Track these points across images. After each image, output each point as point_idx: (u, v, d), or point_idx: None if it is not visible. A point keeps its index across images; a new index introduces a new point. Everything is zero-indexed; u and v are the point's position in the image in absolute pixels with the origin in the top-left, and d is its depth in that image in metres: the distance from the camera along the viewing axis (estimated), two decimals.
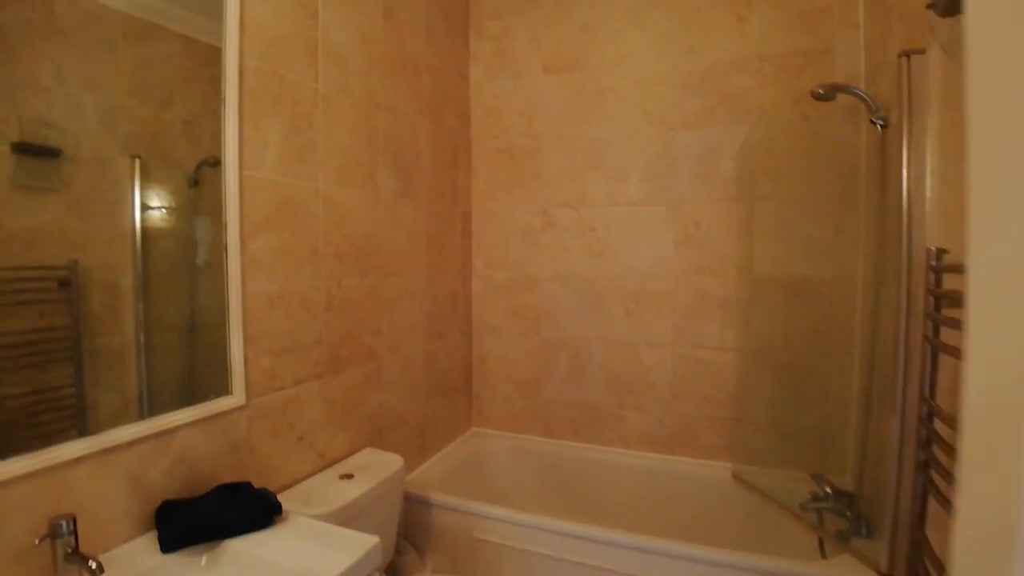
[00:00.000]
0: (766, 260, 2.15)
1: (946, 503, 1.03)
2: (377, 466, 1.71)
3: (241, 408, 1.40)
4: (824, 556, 1.76)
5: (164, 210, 1.26)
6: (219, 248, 1.36)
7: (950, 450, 1.03)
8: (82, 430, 1.07)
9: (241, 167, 1.39)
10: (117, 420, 1.13)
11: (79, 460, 1.05)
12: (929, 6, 1.07)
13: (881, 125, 1.73)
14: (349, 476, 1.63)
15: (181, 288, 1.33)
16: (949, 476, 1.03)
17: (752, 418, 2.19)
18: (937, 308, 1.11)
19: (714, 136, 2.18)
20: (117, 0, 1.14)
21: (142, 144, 1.20)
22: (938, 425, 1.12)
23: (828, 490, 1.85)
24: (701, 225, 2.22)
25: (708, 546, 1.66)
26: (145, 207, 1.21)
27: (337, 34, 1.71)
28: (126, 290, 1.19)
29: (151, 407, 1.21)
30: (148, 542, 1.13)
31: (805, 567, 1.59)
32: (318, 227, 1.65)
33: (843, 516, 1.80)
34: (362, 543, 1.15)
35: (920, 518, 1.21)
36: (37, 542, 0.93)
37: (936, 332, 1.12)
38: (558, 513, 2.02)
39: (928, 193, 1.36)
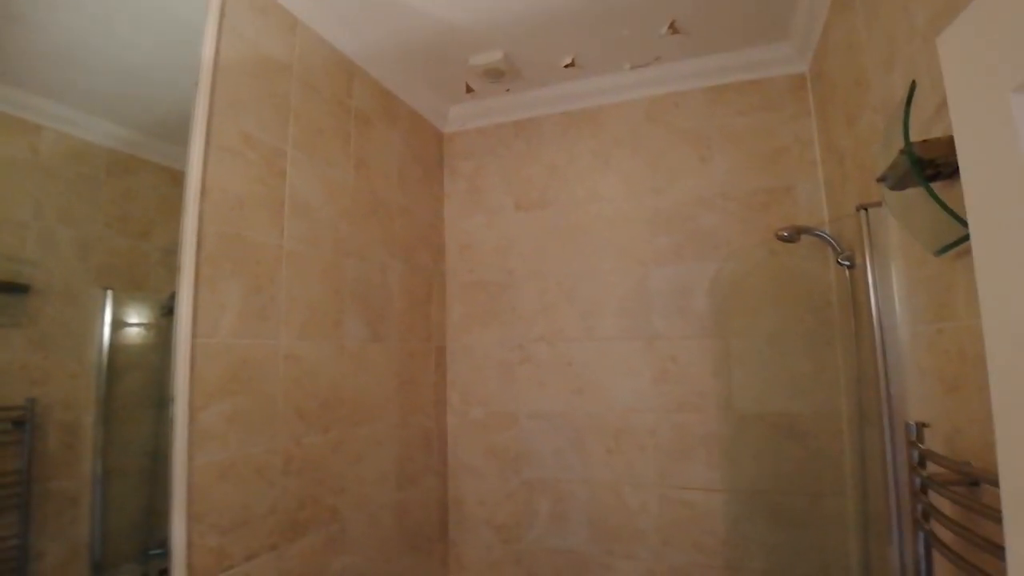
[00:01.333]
0: (745, 396, 2.09)
1: None
2: None
3: None
4: None
5: (136, 341, 1.21)
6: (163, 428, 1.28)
7: None
8: None
9: (194, 335, 1.34)
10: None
11: None
12: (880, 179, 1.09)
13: (848, 266, 1.75)
14: None
15: (147, 419, 1.26)
16: None
17: (748, 567, 2.02)
18: (924, 490, 1.04)
19: (685, 272, 2.20)
20: (103, 136, 1.15)
21: (116, 275, 1.20)
22: None
23: None
24: (678, 360, 2.18)
25: None
26: (115, 338, 1.17)
27: (304, 189, 1.74)
28: (85, 427, 1.14)
29: (103, 557, 1.09)
30: None
31: None
32: (277, 387, 1.59)
33: None
34: None
35: None
36: None
37: (926, 516, 1.04)
38: None
39: (904, 341, 1.32)
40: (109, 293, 1.19)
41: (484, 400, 2.47)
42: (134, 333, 1.23)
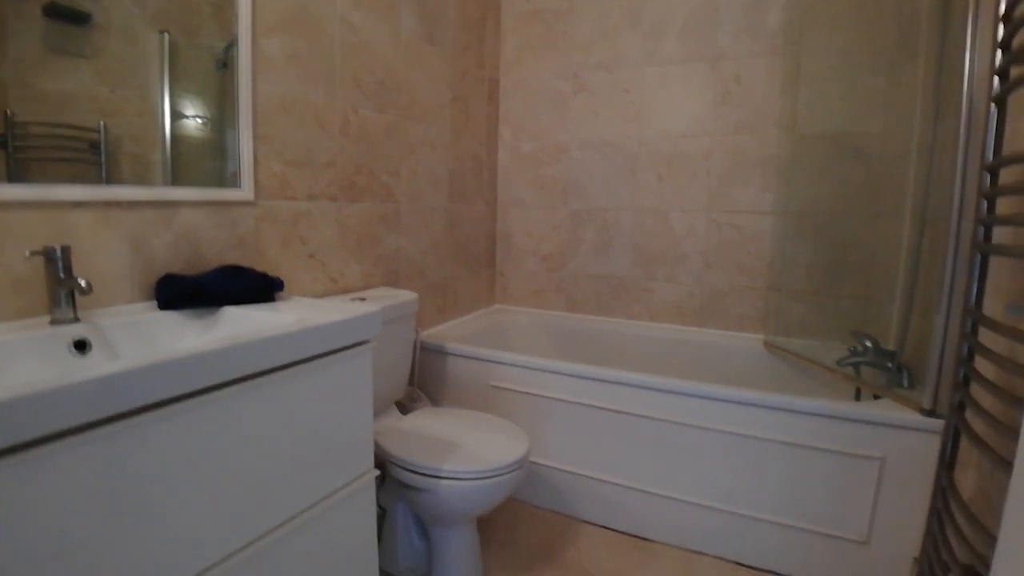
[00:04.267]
0: (811, 116, 1.99)
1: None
2: (392, 298, 1.69)
3: (249, 204, 1.39)
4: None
5: (193, 88, 1.24)
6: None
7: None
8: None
9: None
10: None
11: (79, 205, 1.05)
12: None
13: None
14: (362, 300, 1.62)
15: (210, 171, 1.31)
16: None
17: (789, 287, 2.06)
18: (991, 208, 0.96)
19: None
20: None
21: (171, 21, 1.19)
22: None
23: (868, 344, 1.73)
24: (742, 80, 2.07)
25: (728, 385, 1.58)
26: (174, 76, 1.20)
27: None
28: (155, 163, 1.19)
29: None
30: (149, 307, 1.13)
31: (838, 404, 1.50)
32: (335, 46, 1.60)
33: (883, 369, 1.68)
34: (362, 309, 1.12)
35: (969, 355, 1.10)
36: (28, 254, 0.93)
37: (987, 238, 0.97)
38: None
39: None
40: (166, 37, 1.17)
41: (535, 133, 2.46)
42: (194, 81, 1.24)
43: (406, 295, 1.73)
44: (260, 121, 1.40)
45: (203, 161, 1.31)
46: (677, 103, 2.18)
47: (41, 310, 0.99)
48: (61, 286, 0.96)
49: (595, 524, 1.79)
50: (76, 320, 0.98)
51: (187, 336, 1.09)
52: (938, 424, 1.36)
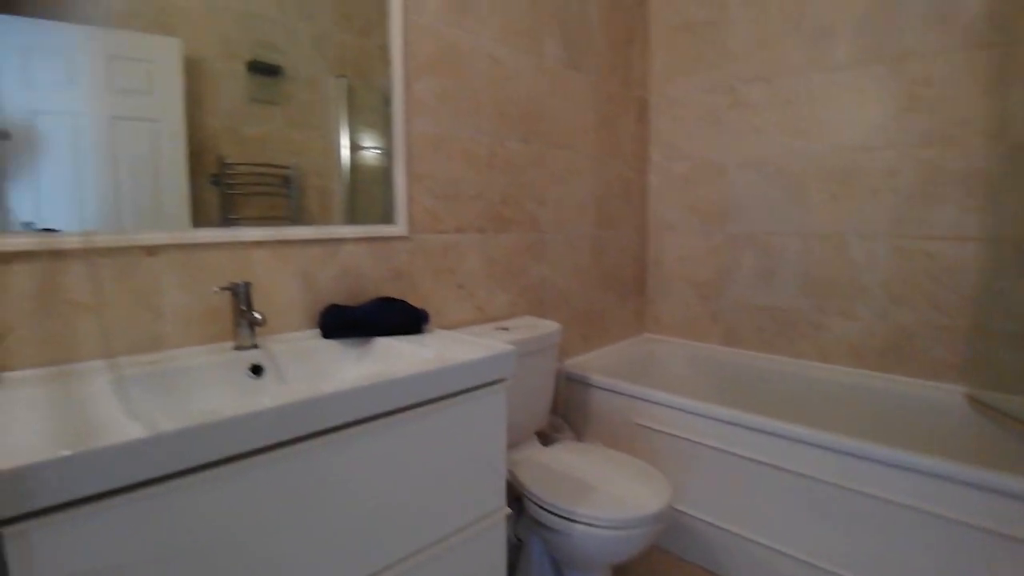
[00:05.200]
0: None
1: None
2: (535, 328, 1.69)
3: (403, 239, 1.49)
4: None
5: (368, 123, 1.40)
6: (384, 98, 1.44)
7: None
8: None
9: (405, 11, 1.45)
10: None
11: (259, 244, 1.20)
12: None
13: None
14: (505, 329, 1.65)
15: (379, 193, 1.45)
16: None
17: (1001, 328, 1.69)
18: None
19: None
20: None
21: (347, 67, 1.36)
22: None
23: None
24: (933, 81, 1.76)
25: (914, 450, 1.32)
26: (352, 118, 1.37)
27: None
28: (334, 192, 1.36)
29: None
30: (314, 334, 1.25)
31: None
32: (481, 82, 1.67)
33: None
34: (498, 347, 1.13)
35: None
36: (217, 289, 1.08)
37: None
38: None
39: None
40: (344, 81, 1.33)
41: (688, 153, 2.33)
42: (367, 117, 1.39)
43: (548, 326, 1.72)
44: (413, 159, 1.50)
45: (375, 188, 1.43)
46: (851, 113, 1.91)
47: (227, 335, 1.14)
48: (243, 317, 1.10)
49: None
50: (254, 346, 1.12)
51: (343, 364, 1.19)
52: None
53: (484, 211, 1.71)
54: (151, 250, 1.06)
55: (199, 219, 1.12)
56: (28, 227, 0.94)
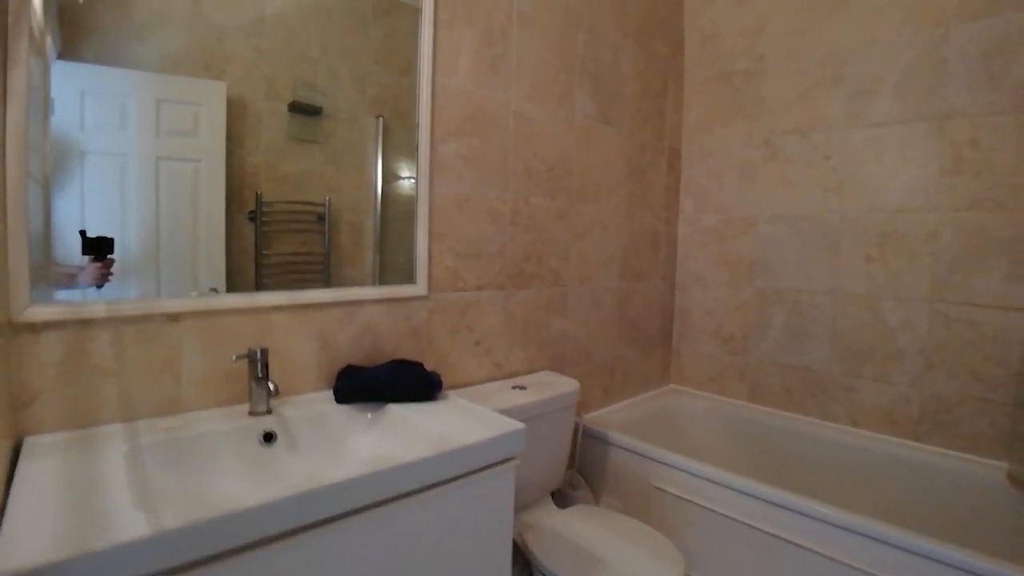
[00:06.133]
0: None
1: None
2: (552, 386, 1.68)
3: (423, 298, 1.50)
4: None
5: (401, 159, 1.43)
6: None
7: None
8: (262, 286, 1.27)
9: (434, 73, 1.47)
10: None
11: (278, 308, 1.22)
12: None
13: None
14: (522, 388, 1.63)
15: (409, 228, 1.48)
16: None
17: None
18: None
19: (1003, 25, 1.63)
20: None
21: (385, 106, 1.39)
22: None
23: None
24: (979, 144, 1.68)
25: (971, 550, 1.24)
26: (386, 157, 1.41)
27: None
28: (367, 228, 1.39)
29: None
30: (329, 396, 1.27)
31: None
32: (507, 140, 1.68)
33: None
34: (506, 425, 1.12)
35: None
36: (235, 358, 1.10)
37: None
38: (756, 478, 1.74)
39: None
40: (380, 120, 1.37)
41: (720, 206, 2.29)
42: (399, 156, 1.43)
43: (567, 384, 1.70)
44: (435, 220, 1.51)
45: (406, 223, 1.46)
46: (891, 171, 1.85)
47: (243, 397, 1.16)
48: (259, 384, 1.13)
49: None
50: (268, 412, 1.13)
51: (353, 432, 1.19)
52: None
53: (505, 267, 1.71)
54: (174, 317, 1.09)
55: (232, 268, 1.16)
56: (82, 235, 0.98)
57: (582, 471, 1.97)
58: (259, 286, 1.21)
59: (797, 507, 1.45)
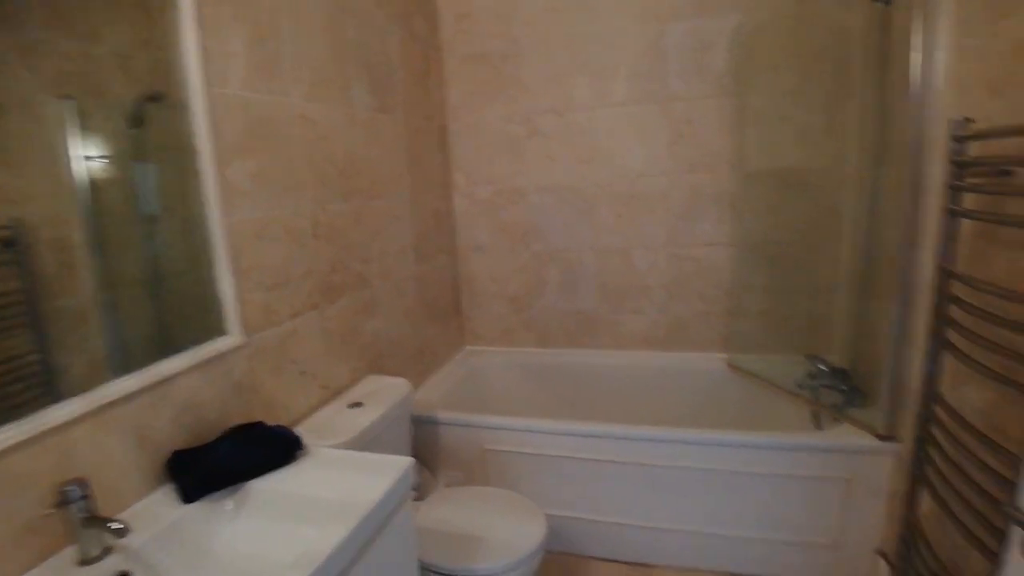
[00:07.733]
0: (758, 154, 2.12)
1: (968, 359, 1.06)
2: (383, 391, 1.69)
3: (241, 348, 1.33)
4: (820, 428, 1.85)
5: (106, 156, 1.09)
6: (184, 184, 1.22)
7: (972, 309, 1.06)
8: (55, 396, 0.96)
9: (207, 84, 1.22)
10: (94, 380, 1.02)
11: (74, 422, 0.96)
12: None
13: (884, 2, 1.65)
14: (358, 404, 1.61)
15: (137, 233, 1.16)
16: (971, 334, 1.07)
17: (746, 309, 2.24)
18: (961, 177, 1.11)
19: (706, 26, 2.07)
20: None
21: (72, 84, 1.02)
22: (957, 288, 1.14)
23: (822, 367, 1.93)
24: (693, 122, 2.15)
25: (707, 429, 1.77)
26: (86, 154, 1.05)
27: None
28: (78, 244, 1.04)
29: (123, 367, 1.10)
30: (165, 495, 1.08)
31: (805, 437, 1.71)
32: (295, 149, 1.52)
33: (838, 390, 1.88)
34: (394, 464, 1.13)
35: (933, 379, 1.23)
36: (45, 513, 0.87)
37: (957, 200, 1.12)
38: (559, 415, 2.10)
39: (942, 66, 1.30)
40: (72, 104, 1.03)
41: (491, 178, 2.45)
42: (104, 146, 1.07)
43: (399, 387, 1.72)
44: (237, 256, 1.32)
45: (130, 225, 1.15)
46: (631, 145, 2.23)
47: (59, 542, 0.92)
48: (89, 526, 0.91)
49: (602, 559, 1.95)
50: (108, 551, 0.93)
51: (220, 531, 1.06)
52: (895, 448, 1.56)
53: (316, 286, 1.60)
54: None
55: None
56: None
57: (417, 455, 2.05)
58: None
59: (597, 432, 1.85)
